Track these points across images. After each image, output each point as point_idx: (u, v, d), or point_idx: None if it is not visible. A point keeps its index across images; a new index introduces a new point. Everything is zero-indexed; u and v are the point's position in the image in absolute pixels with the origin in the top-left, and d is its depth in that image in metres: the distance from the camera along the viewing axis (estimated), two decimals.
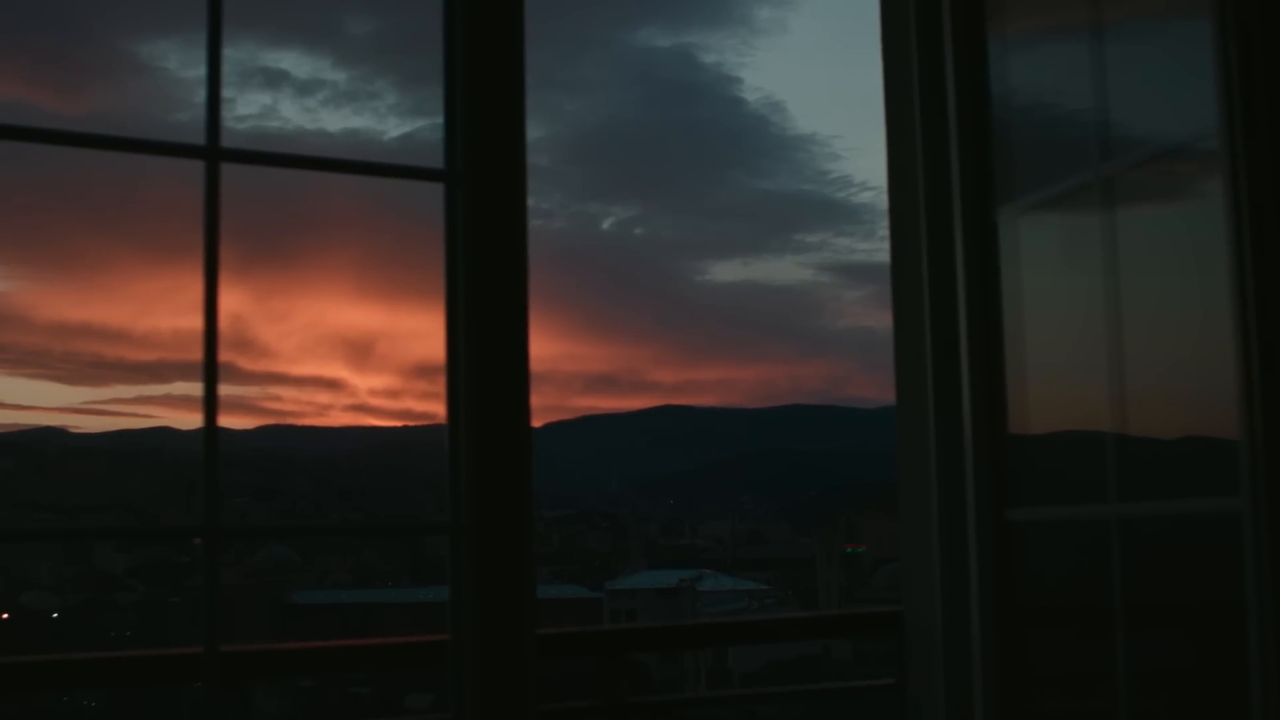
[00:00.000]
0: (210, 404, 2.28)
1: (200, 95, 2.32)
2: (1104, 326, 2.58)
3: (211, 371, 2.29)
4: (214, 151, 2.32)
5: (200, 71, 2.33)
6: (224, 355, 2.30)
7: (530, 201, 2.55)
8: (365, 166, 2.54)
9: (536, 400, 2.53)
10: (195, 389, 2.27)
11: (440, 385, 2.45)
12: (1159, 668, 2.62)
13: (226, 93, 2.33)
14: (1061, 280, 2.87)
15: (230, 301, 2.31)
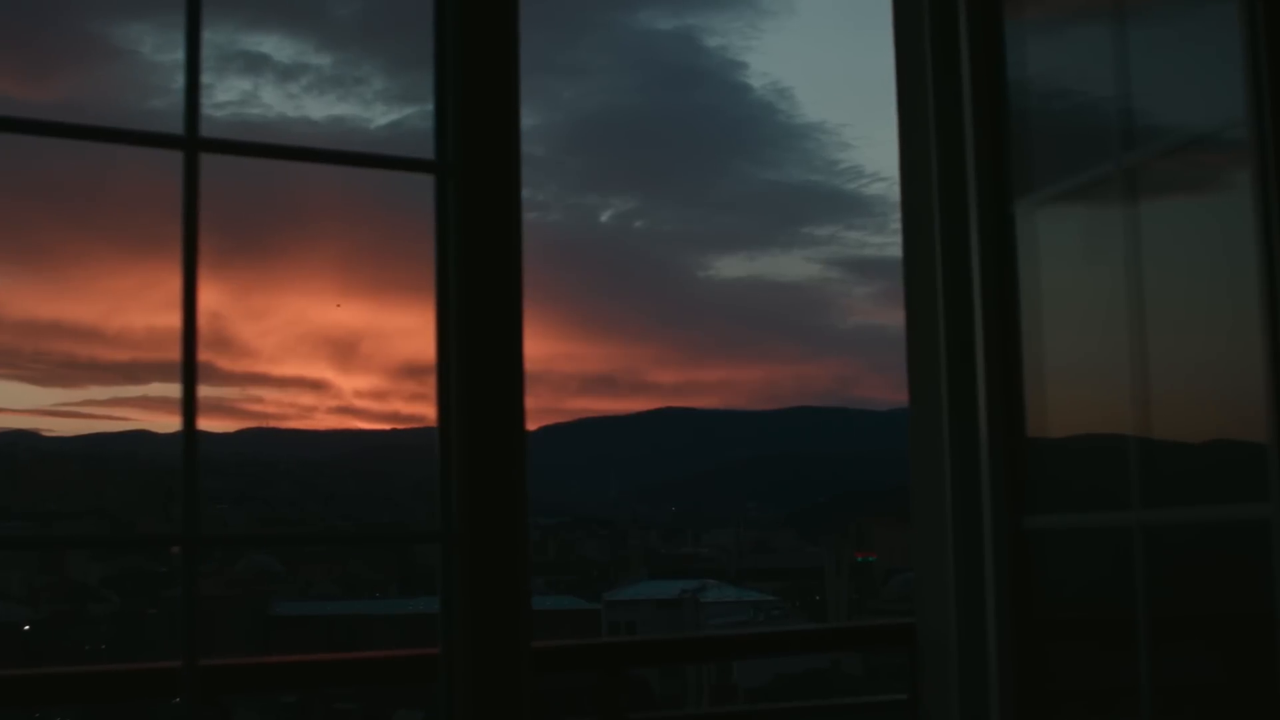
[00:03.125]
0: (189, 406, 2.28)
1: (177, 81, 2.32)
2: (1126, 325, 2.58)
3: (190, 372, 2.29)
4: (193, 141, 2.32)
5: (176, 56, 2.33)
6: (202, 355, 2.30)
7: (525, 193, 2.56)
8: (353, 157, 2.54)
9: (530, 402, 2.52)
10: (172, 390, 2.27)
11: (429, 386, 2.45)
12: (1185, 683, 2.62)
13: (205, 78, 2.33)
14: (1082, 276, 2.87)
15: (207, 298, 2.30)
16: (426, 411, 2.47)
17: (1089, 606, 2.86)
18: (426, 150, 2.51)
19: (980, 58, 2.97)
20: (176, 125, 2.31)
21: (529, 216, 2.59)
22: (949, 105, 3.05)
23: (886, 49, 3.26)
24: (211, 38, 2.34)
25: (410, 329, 2.54)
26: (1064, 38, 2.99)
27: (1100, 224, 2.76)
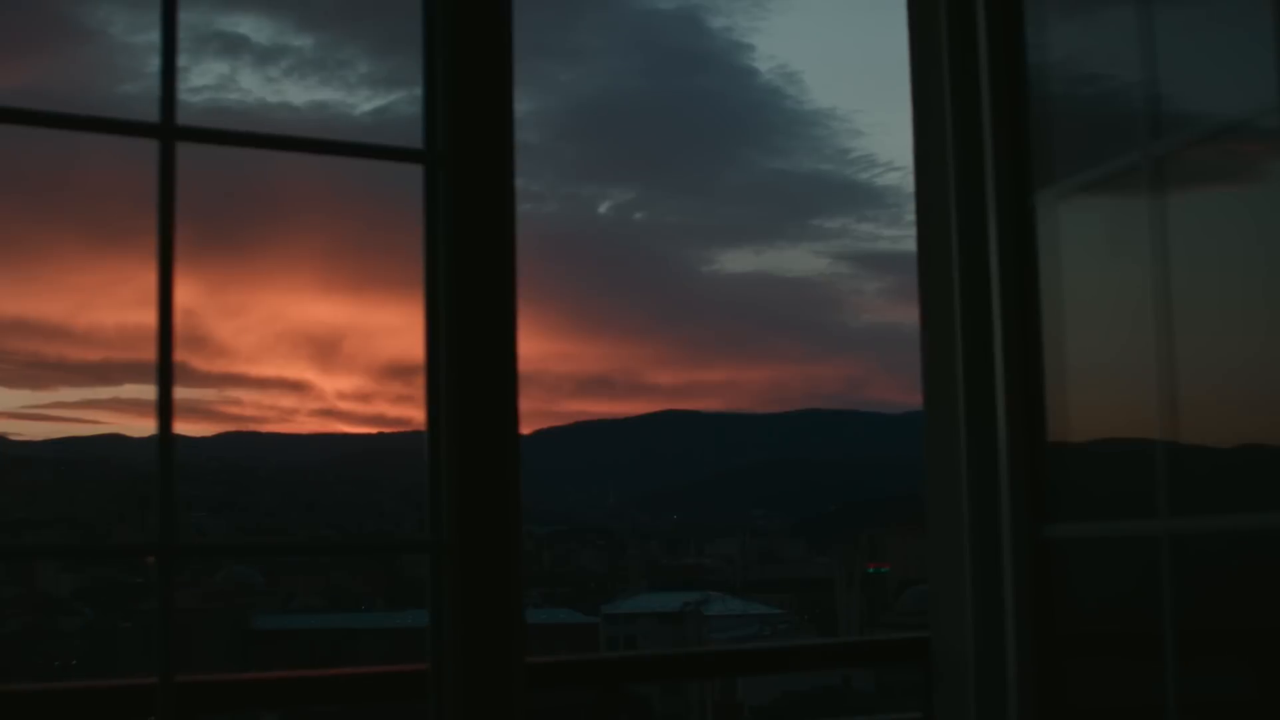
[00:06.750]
0: (164, 408, 2.28)
1: (150, 64, 2.32)
2: (1153, 323, 2.58)
3: (166, 372, 2.28)
4: (169, 130, 2.31)
5: (149, 37, 2.32)
6: (177, 354, 2.30)
7: (518, 183, 2.55)
8: (338, 146, 2.54)
9: (524, 405, 2.53)
10: (146, 392, 2.27)
11: (416, 387, 2.45)
12: (1215, 699, 2.61)
13: (180, 61, 2.33)
14: (1107, 271, 2.87)
15: (181, 294, 2.30)
16: (414, 414, 2.47)
17: (1113, 619, 2.86)
18: (414, 138, 2.50)
19: (999, 40, 2.96)
20: (150, 111, 2.31)
21: (523, 208, 2.59)
22: (966, 90, 3.04)
23: (900, 30, 3.26)
24: (186, 18, 2.33)
25: (396, 327, 2.54)
26: (1088, 19, 2.98)
27: (1126, 216, 2.76)
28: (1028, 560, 2.84)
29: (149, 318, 2.28)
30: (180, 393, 2.31)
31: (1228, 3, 2.58)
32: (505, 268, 2.51)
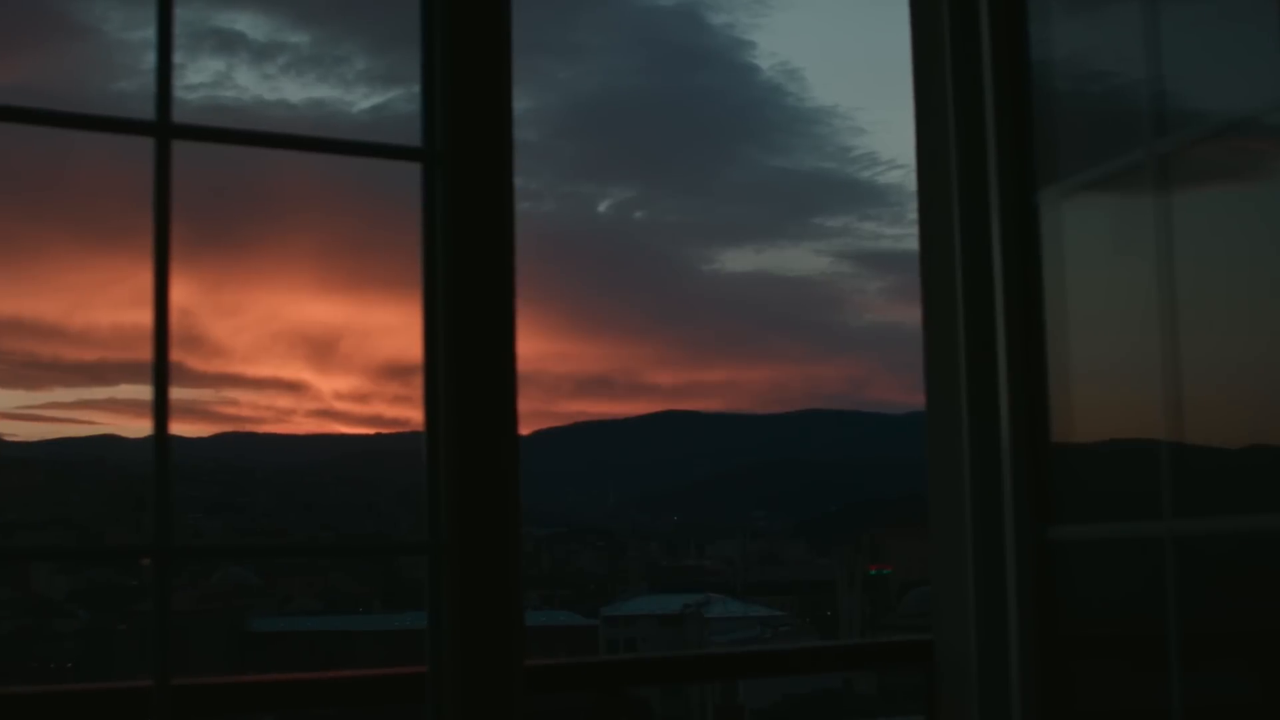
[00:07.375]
0: (161, 409, 2.28)
1: (145, 61, 2.32)
2: (1158, 322, 2.58)
3: (162, 372, 2.28)
4: (165, 128, 2.31)
5: (144, 34, 2.32)
6: (173, 354, 2.30)
7: (517, 182, 2.55)
8: (336, 144, 2.54)
9: (522, 405, 2.52)
10: (142, 392, 2.27)
11: (414, 387, 2.45)
12: (1221, 703, 2.61)
13: (176, 58, 2.33)
14: (1111, 270, 2.87)
15: (176, 293, 2.30)
16: (411, 414, 2.46)
17: (1118, 622, 2.86)
18: (411, 134, 2.50)
19: (1002, 36, 2.96)
20: (145, 108, 2.31)
21: (521, 206, 2.59)
22: (969, 87, 3.04)
23: (903, 26, 3.26)
24: (183, 14, 2.33)
25: (394, 326, 2.55)
26: (1092, 15, 2.98)
27: (1130, 215, 2.76)
28: (1031, 562, 2.84)
29: (145, 317, 2.28)
30: (176, 393, 2.31)
31: None
32: (504, 266, 2.51)
